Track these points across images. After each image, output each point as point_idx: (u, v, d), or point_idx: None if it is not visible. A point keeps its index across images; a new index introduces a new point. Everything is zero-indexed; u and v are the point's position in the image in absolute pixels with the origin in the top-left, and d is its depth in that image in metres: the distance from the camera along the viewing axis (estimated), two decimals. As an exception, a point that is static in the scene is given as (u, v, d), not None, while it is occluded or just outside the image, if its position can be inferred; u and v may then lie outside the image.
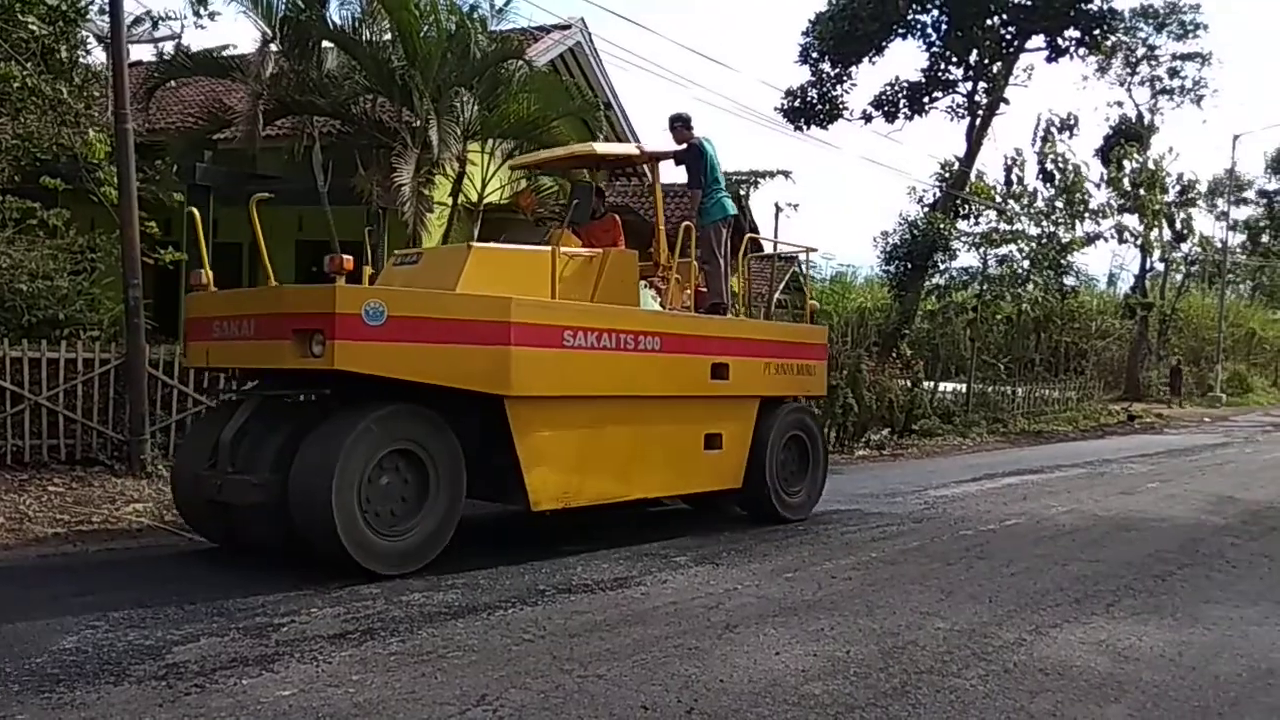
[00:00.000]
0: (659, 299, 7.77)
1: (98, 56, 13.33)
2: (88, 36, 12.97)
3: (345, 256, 5.61)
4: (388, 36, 11.53)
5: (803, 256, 10.54)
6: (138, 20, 15.48)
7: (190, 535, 6.97)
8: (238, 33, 39.58)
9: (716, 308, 8.08)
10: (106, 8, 9.70)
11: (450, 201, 12.05)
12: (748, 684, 4.10)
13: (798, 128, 26.25)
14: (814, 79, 26.36)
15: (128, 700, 3.69)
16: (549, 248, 6.92)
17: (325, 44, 11.70)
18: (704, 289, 8.19)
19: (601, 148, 8.31)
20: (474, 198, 12.30)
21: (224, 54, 12.52)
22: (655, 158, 8.31)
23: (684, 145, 8.08)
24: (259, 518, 5.90)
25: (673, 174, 8.74)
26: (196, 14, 13.72)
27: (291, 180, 12.98)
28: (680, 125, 8.10)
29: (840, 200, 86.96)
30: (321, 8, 11.36)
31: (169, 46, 15.78)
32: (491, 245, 7.04)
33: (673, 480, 7.55)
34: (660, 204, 8.24)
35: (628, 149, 8.39)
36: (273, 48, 11.09)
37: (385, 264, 6.85)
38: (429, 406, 5.92)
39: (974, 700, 3.99)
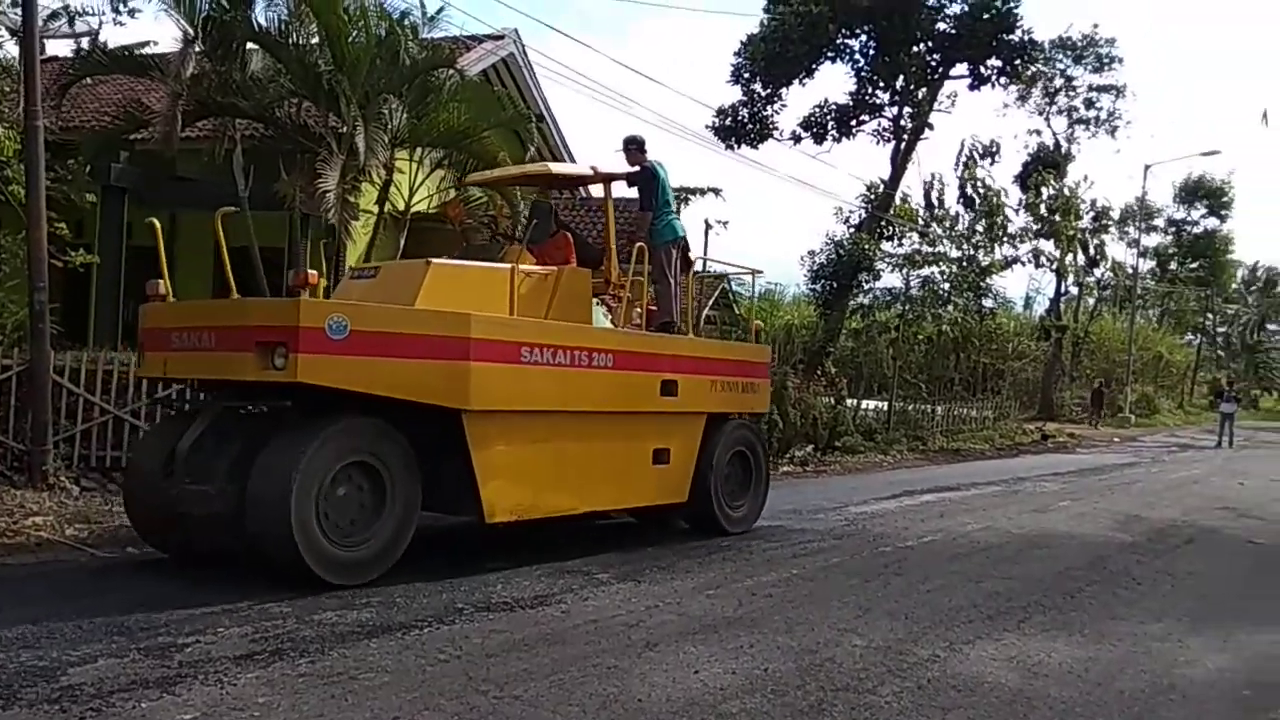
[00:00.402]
0: (610, 316, 7.93)
1: (9, 50, 12.85)
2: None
3: (311, 272, 5.72)
4: (315, 40, 11.33)
5: (745, 277, 10.62)
6: (54, 14, 14.96)
7: (93, 550, 6.72)
8: (159, 31, 38.53)
9: (666, 326, 8.21)
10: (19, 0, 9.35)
11: (376, 209, 11.88)
12: (665, 703, 4.08)
13: (729, 146, 26.48)
14: (745, 99, 26.65)
15: (16, 726, 3.52)
16: (507, 265, 7.02)
17: (250, 46, 11.44)
18: (654, 308, 8.32)
19: (556, 168, 8.39)
20: (401, 206, 12.12)
21: (144, 52, 12.13)
22: (608, 178, 8.38)
23: (637, 168, 8.21)
24: (216, 527, 5.91)
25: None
26: (115, 10, 13.38)
27: (211, 184, 12.64)
28: (634, 148, 8.24)
29: (769, 219, 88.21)
30: (247, 9, 11.10)
31: (86, 42, 15.28)
32: (450, 262, 7.13)
33: (622, 494, 7.67)
34: (612, 224, 8.27)
35: (582, 170, 8.45)
36: (195, 48, 10.79)
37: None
38: (386, 419, 5.98)
39: (888, 717, 4.03)
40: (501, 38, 16.97)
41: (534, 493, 6.76)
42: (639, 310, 8.19)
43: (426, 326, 6.08)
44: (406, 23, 11.35)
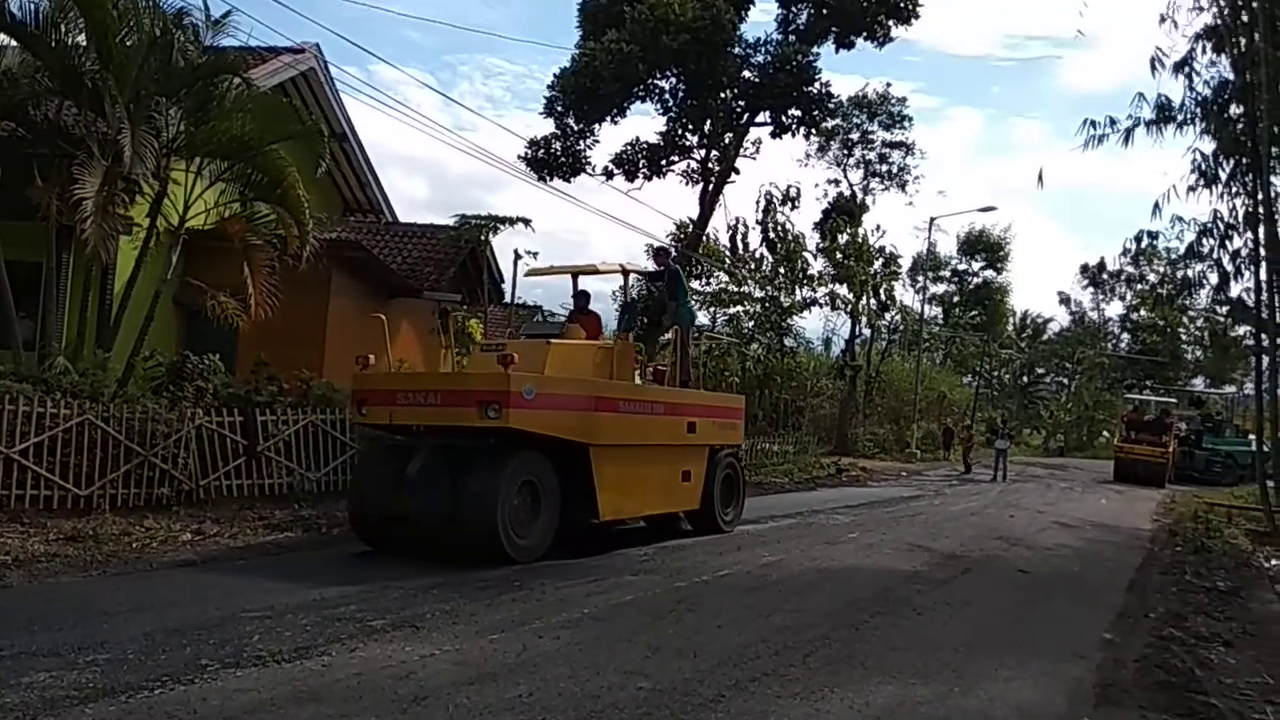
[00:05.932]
0: (640, 376, 11.05)
1: None
2: None
3: (513, 354, 8.39)
4: (82, 38, 10.31)
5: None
6: None
7: None
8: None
9: (685, 383, 11.38)
10: None
11: (148, 222, 10.87)
12: (427, 765, 3.69)
13: (541, 178, 26.40)
14: (558, 132, 26.70)
15: None
16: (612, 343, 10.40)
17: (2, 39, 10.29)
18: (676, 370, 11.41)
19: (602, 267, 11.77)
20: (175, 221, 11.14)
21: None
22: (630, 273, 11.37)
23: (664, 269, 11.94)
24: (436, 527, 8.42)
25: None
26: None
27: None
28: (663, 254, 12.64)
29: (582, 252, 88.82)
30: (1, -2, 9.95)
31: None
32: (562, 341, 9.96)
33: (667, 502, 10.75)
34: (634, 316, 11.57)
35: (617, 268, 11.29)
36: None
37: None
38: (541, 451, 8.73)
39: (667, 768, 3.80)
40: (301, 51, 16.17)
41: (624, 501, 9.70)
42: (650, 369, 12.01)
43: (575, 389, 9.10)
44: (185, 23, 10.49)
